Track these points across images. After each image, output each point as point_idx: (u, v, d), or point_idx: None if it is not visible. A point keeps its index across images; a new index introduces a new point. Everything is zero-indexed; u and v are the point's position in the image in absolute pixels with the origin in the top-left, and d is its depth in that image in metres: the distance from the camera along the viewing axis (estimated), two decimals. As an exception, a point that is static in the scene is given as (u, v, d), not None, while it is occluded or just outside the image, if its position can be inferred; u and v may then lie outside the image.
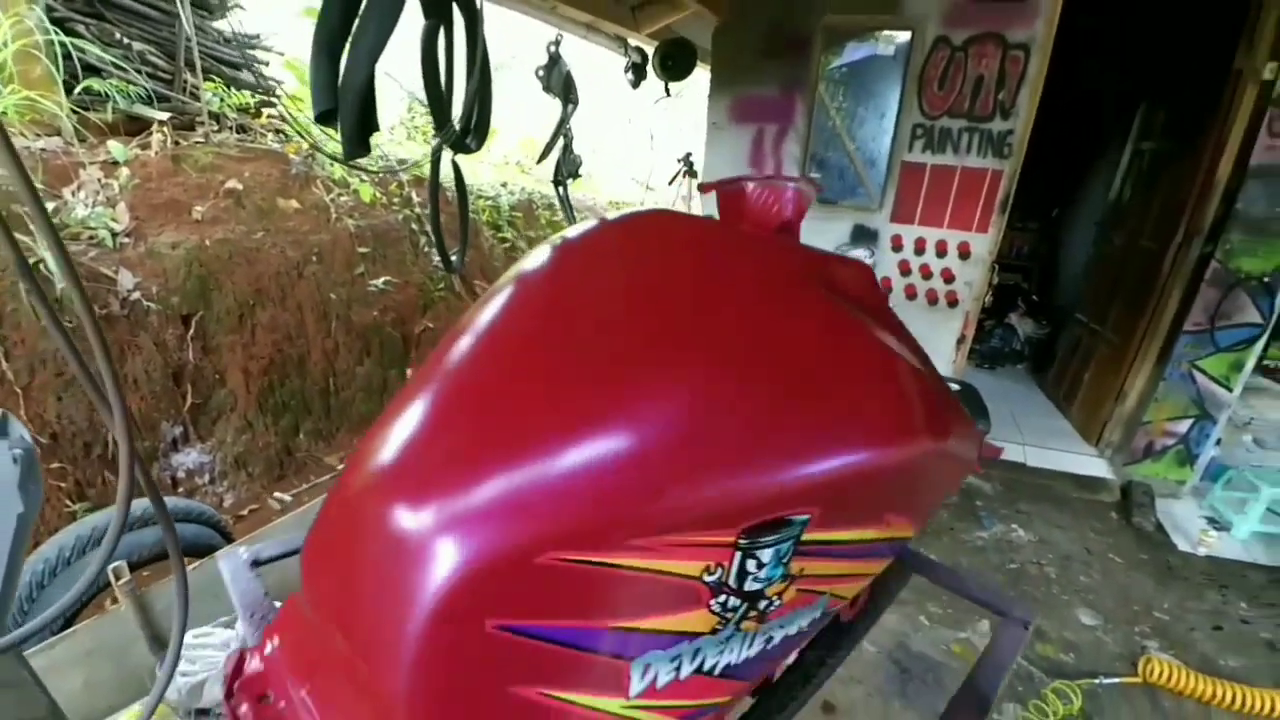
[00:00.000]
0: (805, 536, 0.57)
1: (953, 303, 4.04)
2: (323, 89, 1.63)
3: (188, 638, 1.83)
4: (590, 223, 0.70)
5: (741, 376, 0.56)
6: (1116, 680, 2.69)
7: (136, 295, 3.26)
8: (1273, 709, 2.47)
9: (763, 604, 0.59)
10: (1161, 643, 2.95)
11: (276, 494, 3.53)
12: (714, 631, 0.57)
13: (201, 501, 3.12)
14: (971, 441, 0.86)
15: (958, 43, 3.64)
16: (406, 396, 0.55)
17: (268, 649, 0.63)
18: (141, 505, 2.59)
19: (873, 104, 3.93)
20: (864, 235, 4.09)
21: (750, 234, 0.76)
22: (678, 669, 0.56)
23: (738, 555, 0.54)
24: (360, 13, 1.59)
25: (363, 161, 3.78)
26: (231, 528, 2.86)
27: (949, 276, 3.99)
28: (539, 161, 2.72)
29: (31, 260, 3.04)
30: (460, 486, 0.47)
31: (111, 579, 2.30)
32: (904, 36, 3.74)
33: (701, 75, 4.65)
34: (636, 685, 0.54)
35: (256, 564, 0.94)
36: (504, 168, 6.26)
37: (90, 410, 3.09)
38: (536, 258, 0.67)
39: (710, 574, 0.53)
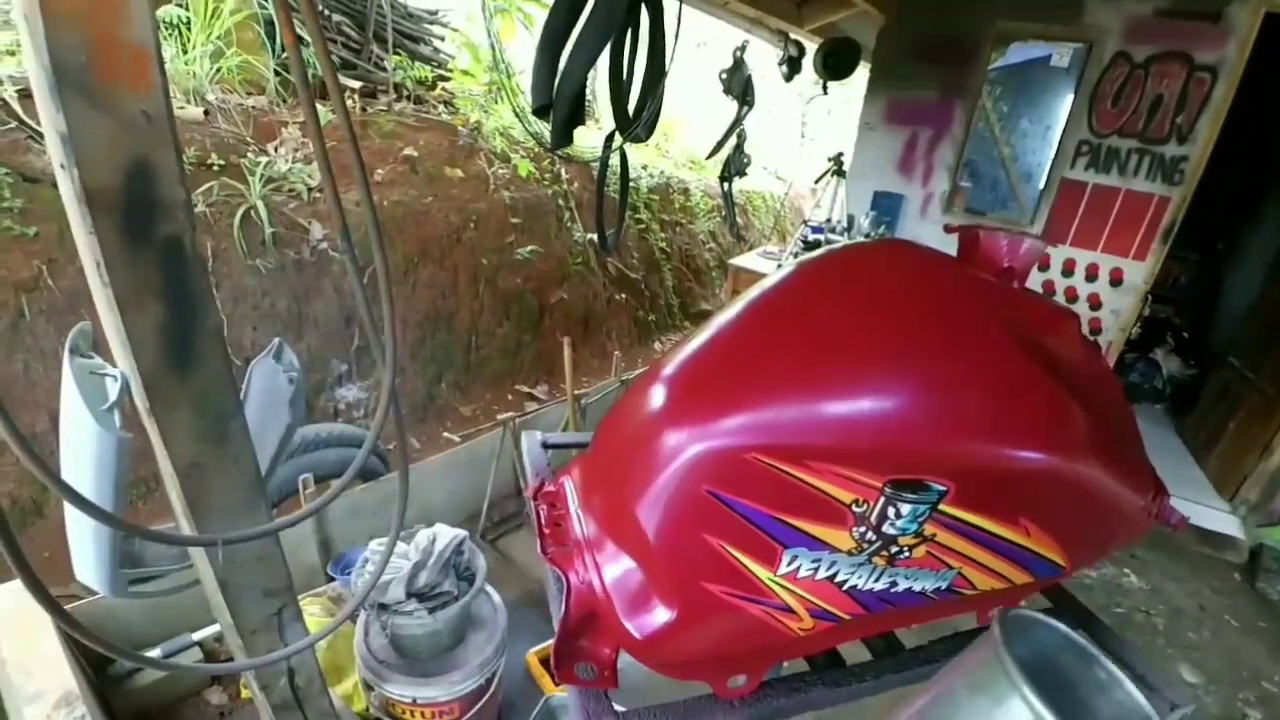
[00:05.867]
0: (943, 507, 0.74)
1: (1095, 331, 3.89)
2: (541, 86, 1.83)
3: (372, 544, 2.13)
4: (844, 245, 0.87)
5: (912, 370, 0.75)
6: (1209, 742, 2.60)
7: (323, 245, 3.67)
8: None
9: (894, 548, 0.76)
10: (1265, 713, 2.80)
11: (442, 434, 3.90)
12: (850, 553, 0.75)
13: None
14: (1144, 495, 0.91)
15: (1139, 59, 3.47)
16: (683, 347, 0.84)
17: (563, 482, 0.96)
18: (325, 429, 2.96)
19: (1037, 115, 3.80)
20: (1008, 251, 3.98)
21: (970, 271, 0.89)
22: (815, 569, 0.76)
23: (882, 500, 0.72)
24: (581, 23, 1.78)
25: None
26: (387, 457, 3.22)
27: (1095, 303, 3.84)
28: (708, 157, 2.88)
29: (244, 207, 3.49)
30: (706, 406, 0.74)
31: (300, 488, 2.67)
32: (1080, 47, 3.60)
33: (860, 76, 4.62)
34: (783, 567, 0.74)
35: (545, 446, 1.34)
36: (644, 150, 6.45)
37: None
38: (796, 266, 0.92)
39: (858, 506, 0.72)
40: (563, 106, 1.84)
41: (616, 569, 0.75)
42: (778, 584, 0.74)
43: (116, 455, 1.25)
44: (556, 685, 0.98)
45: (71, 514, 1.34)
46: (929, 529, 0.74)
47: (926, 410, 0.71)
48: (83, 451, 1.25)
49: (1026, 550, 0.81)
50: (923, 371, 0.73)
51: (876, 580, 0.78)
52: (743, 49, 3.44)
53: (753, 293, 0.85)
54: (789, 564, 0.73)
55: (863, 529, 0.72)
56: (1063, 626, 0.76)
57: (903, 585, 0.79)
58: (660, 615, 0.73)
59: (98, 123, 0.92)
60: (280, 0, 0.91)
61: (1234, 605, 3.49)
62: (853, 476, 0.69)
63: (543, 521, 0.85)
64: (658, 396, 0.77)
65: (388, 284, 1.22)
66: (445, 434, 3.79)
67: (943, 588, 0.81)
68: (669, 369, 0.80)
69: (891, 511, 0.71)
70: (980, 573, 0.81)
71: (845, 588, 0.77)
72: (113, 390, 1.24)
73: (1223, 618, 3.38)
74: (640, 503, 0.73)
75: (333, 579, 2.63)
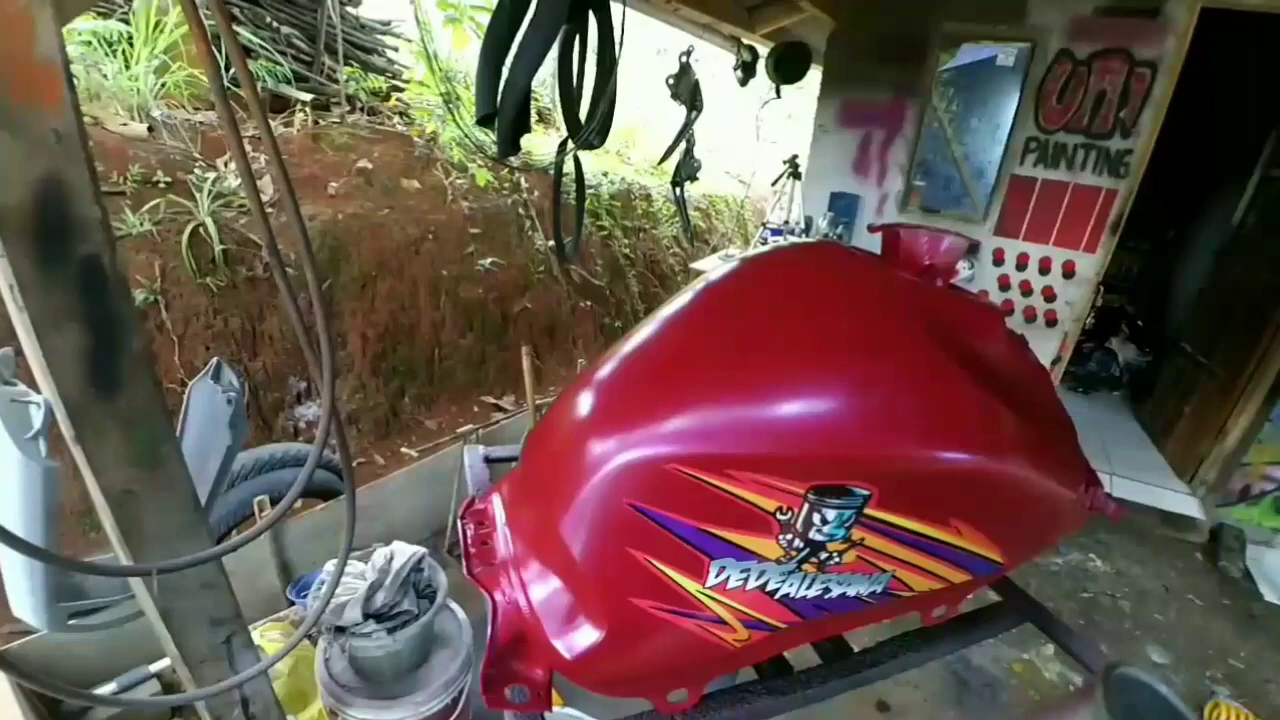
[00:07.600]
0: (869, 511, 0.73)
1: (1051, 322, 3.96)
2: (485, 95, 1.81)
3: (329, 564, 2.08)
4: (774, 247, 0.87)
5: (825, 373, 0.75)
6: (1178, 720, 2.67)
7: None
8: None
9: (823, 555, 0.76)
10: (1233, 690, 2.87)
11: (401, 449, 3.83)
12: (779, 561, 0.74)
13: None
14: (1076, 488, 0.92)
15: (1081, 56, 3.55)
16: (609, 355, 0.82)
17: (491, 498, 0.94)
18: (281, 449, 2.88)
19: (986, 114, 3.87)
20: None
21: (894, 272, 0.89)
22: (745, 579, 0.75)
23: (806, 506, 0.72)
24: (523, 30, 1.76)
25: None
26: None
27: (1050, 295, 3.92)
28: (659, 163, 2.88)
29: (192, 224, 3.40)
30: (626, 416, 0.73)
31: (255, 510, 2.60)
32: (1025, 46, 3.67)
33: (813, 79, 4.67)
34: (711, 579, 0.74)
35: (488, 460, 1.31)
36: (604, 156, 6.45)
37: (232, 360, 3.44)
38: (722, 270, 0.91)
39: (782, 514, 0.71)
40: (507, 115, 1.82)
41: (543, 588, 0.74)
42: (708, 596, 0.73)
43: (43, 485, 1.21)
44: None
45: (2, 548, 1.29)
46: (857, 534, 0.74)
47: (845, 415, 0.70)
48: (8, 482, 1.20)
49: (960, 550, 0.81)
50: (841, 376, 0.73)
51: (809, 588, 0.77)
52: (688, 54, 3.46)
53: (682, 296, 0.84)
54: (717, 575, 0.72)
55: (789, 536, 0.72)
56: (1164, 689, 0.74)
57: (836, 591, 0.79)
58: (589, 634, 0.71)
59: (4, 142, 0.89)
60: (188, 7, 0.87)
61: (1197, 584, 3.58)
62: (775, 484, 0.69)
63: (468, 540, 0.83)
64: (579, 406, 0.76)
65: (320, 295, 1.18)
66: (404, 449, 3.73)
67: (878, 591, 0.81)
68: (593, 376, 0.79)
69: (817, 518, 0.71)
70: (915, 574, 0.81)
71: (777, 596, 0.76)
72: (36, 418, 1.20)
73: (1187, 597, 3.47)
74: (563, 519, 0.72)
75: (293, 603, 2.57)
